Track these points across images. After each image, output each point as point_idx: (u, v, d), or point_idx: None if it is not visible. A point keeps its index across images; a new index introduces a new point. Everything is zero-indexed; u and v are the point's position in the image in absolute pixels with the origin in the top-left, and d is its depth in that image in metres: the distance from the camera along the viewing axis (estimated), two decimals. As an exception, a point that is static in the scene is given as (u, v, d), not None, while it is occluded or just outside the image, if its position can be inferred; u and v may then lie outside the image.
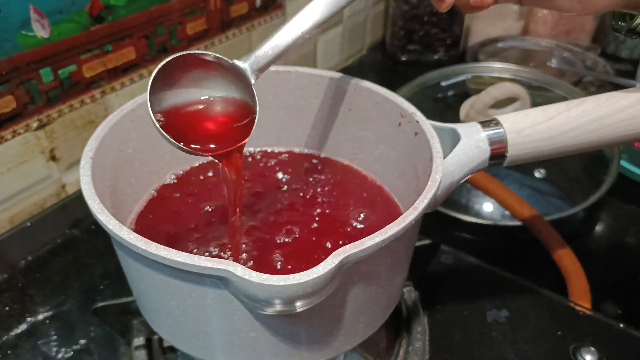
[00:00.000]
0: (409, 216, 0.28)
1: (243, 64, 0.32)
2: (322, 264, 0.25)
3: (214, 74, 0.32)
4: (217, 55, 0.31)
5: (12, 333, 0.42)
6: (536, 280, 0.47)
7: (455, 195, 0.60)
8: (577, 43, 0.90)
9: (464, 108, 0.70)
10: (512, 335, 0.42)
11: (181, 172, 0.43)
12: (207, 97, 0.33)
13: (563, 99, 0.72)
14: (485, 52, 0.89)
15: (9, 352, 0.41)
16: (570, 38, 0.93)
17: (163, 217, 0.39)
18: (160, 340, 0.40)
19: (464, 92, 0.77)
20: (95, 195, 0.29)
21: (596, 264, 0.54)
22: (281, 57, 0.33)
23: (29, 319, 0.43)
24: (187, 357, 0.40)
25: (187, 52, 0.31)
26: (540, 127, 0.34)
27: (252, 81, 0.32)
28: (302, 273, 0.24)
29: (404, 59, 0.93)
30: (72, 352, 0.41)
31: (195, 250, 0.36)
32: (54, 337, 0.42)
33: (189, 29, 0.61)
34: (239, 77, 0.32)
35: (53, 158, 0.53)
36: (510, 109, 0.67)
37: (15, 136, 0.49)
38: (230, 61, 0.32)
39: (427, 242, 0.42)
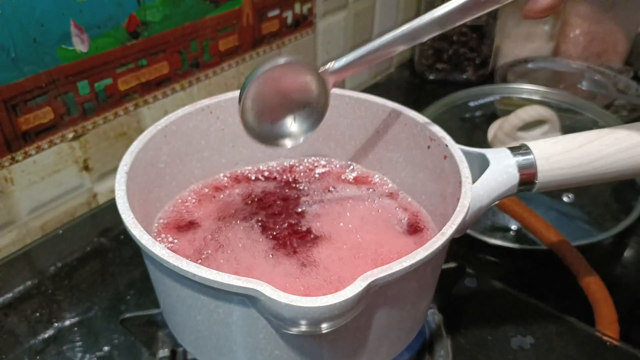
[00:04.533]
0: (437, 242, 0.28)
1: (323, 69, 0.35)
2: (349, 287, 0.25)
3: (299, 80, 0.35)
4: (304, 62, 0.34)
5: (39, 337, 0.43)
6: (562, 307, 0.46)
7: (481, 218, 0.59)
8: (609, 65, 0.89)
9: (492, 129, 0.70)
10: (537, 363, 0.42)
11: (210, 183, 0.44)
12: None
13: (593, 122, 0.72)
14: (515, 72, 0.88)
15: (37, 357, 0.42)
16: (602, 60, 0.91)
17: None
18: (185, 352, 0.41)
19: (491, 113, 0.77)
20: (129, 209, 0.30)
21: (624, 292, 0.53)
22: (361, 66, 0.35)
23: (55, 325, 0.44)
24: (210, 370, 0.41)
25: (281, 62, 0.33)
26: (571, 154, 0.34)
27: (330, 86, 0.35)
28: (329, 296, 0.25)
29: (432, 77, 0.93)
30: (95, 359, 0.42)
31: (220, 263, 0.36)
32: (79, 343, 0.43)
33: (221, 45, 0.62)
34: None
35: (86, 168, 0.54)
36: (538, 131, 0.66)
37: (52, 146, 0.50)
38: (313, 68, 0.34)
39: (452, 265, 0.42)
